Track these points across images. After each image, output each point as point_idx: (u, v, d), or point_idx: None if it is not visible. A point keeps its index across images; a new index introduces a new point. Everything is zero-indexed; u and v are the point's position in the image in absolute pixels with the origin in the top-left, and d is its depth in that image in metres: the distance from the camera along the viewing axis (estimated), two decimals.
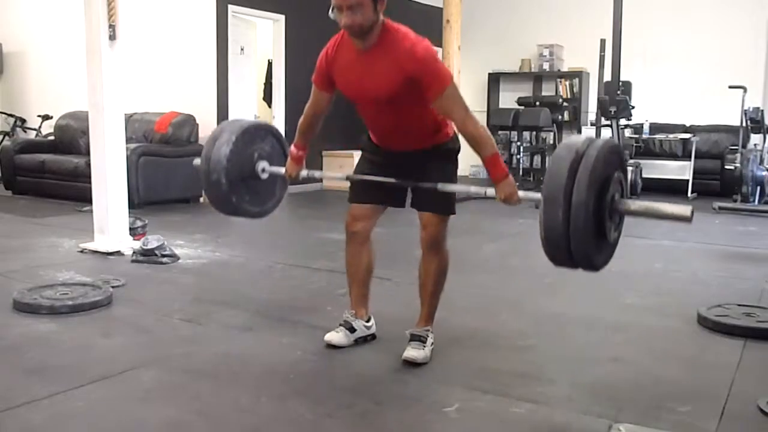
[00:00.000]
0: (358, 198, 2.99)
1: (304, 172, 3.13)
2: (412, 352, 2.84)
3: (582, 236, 2.27)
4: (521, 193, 2.67)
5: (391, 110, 2.74)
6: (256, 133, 3.19)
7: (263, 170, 3.18)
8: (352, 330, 3.04)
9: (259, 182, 3.21)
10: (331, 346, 3.00)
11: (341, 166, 8.49)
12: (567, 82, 10.62)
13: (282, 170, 3.17)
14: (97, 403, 2.45)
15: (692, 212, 2.31)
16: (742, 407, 2.49)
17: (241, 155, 3.10)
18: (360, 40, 2.66)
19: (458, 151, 2.95)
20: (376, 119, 2.85)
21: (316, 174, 3.28)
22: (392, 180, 2.86)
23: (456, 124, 2.71)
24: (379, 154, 2.94)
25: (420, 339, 2.90)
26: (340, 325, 3.06)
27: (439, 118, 2.84)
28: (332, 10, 2.63)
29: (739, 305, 3.60)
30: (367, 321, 3.11)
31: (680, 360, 3.03)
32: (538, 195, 2.41)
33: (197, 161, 3.19)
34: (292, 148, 3.11)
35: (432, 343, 2.93)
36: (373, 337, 3.12)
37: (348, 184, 3.08)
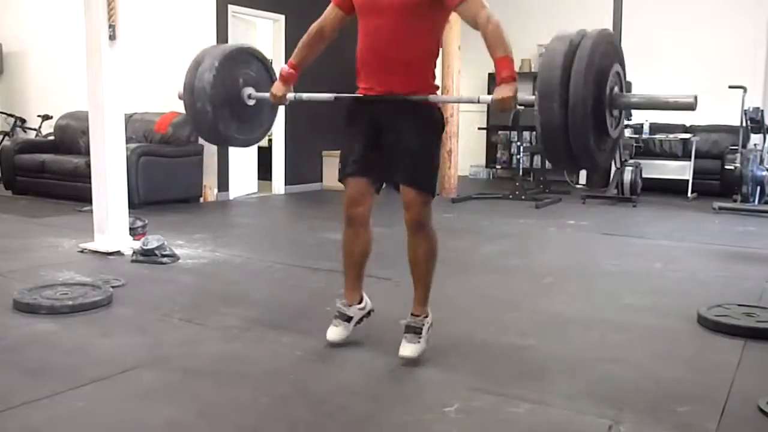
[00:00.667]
0: (351, 170, 2.87)
1: (290, 95, 3.01)
2: (407, 350, 2.82)
3: (581, 129, 2.15)
4: (518, 96, 2.56)
5: (401, 23, 2.69)
6: (239, 58, 3.08)
7: (249, 96, 3.09)
8: (348, 319, 3.03)
9: (246, 109, 3.11)
10: (332, 345, 2.99)
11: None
12: None
13: (268, 95, 3.07)
14: (97, 403, 2.45)
15: (696, 99, 2.22)
16: (742, 407, 2.49)
17: (225, 81, 2.99)
18: None
19: (443, 126, 2.89)
20: (379, 33, 2.74)
21: (303, 96, 3.05)
22: (382, 97, 2.77)
23: (480, 23, 2.61)
24: (363, 109, 2.86)
25: (415, 330, 2.87)
26: (336, 317, 3.03)
27: (434, 66, 2.82)
28: None
29: (739, 305, 3.60)
30: (360, 302, 3.08)
31: (680, 360, 3.03)
32: (533, 98, 2.33)
33: (180, 90, 3.08)
34: (284, 65, 3.01)
35: (429, 330, 2.90)
36: (369, 314, 3.10)
37: None
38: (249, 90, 3.09)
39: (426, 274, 2.92)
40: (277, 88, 3.03)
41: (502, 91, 2.57)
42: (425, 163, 2.80)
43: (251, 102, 3.10)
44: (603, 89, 2.21)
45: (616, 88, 2.29)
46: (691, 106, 2.21)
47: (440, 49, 2.90)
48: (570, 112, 2.11)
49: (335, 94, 2.98)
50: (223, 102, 3.00)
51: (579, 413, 2.42)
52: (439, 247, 2.93)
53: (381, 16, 2.74)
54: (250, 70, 3.13)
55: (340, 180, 2.95)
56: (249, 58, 3.16)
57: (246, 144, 3.21)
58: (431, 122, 2.84)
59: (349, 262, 3.04)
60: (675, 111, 2.27)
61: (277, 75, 3.09)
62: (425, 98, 2.76)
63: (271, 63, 10.24)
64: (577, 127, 2.12)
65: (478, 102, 2.70)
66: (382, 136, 2.82)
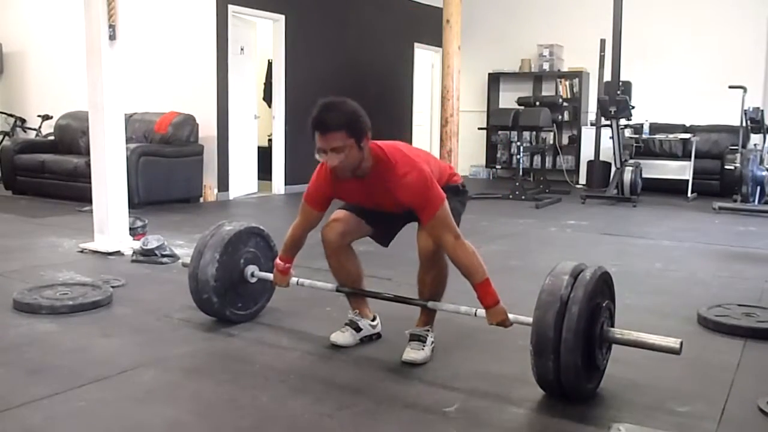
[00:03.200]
0: (347, 207, 2.98)
1: (293, 280, 3.13)
2: (412, 354, 2.84)
3: (573, 381, 2.39)
4: (512, 317, 2.68)
5: (400, 212, 2.81)
6: (239, 240, 3.24)
7: (252, 275, 3.26)
8: (358, 329, 3.05)
9: (249, 285, 3.29)
10: (334, 346, 3.00)
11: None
12: (567, 82, 10.63)
13: (270, 276, 3.20)
14: (97, 403, 2.45)
15: (681, 345, 2.37)
16: (742, 407, 2.49)
17: (227, 268, 3.18)
18: (350, 176, 2.66)
19: (465, 194, 3.02)
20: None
21: (305, 283, 3.18)
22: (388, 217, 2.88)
23: (446, 250, 2.67)
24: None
25: (420, 339, 2.90)
26: (346, 324, 3.06)
27: (447, 177, 2.93)
28: (317, 153, 2.59)
29: (739, 305, 3.60)
30: (373, 320, 3.12)
31: (680, 360, 3.02)
32: (529, 319, 2.51)
33: (186, 261, 3.27)
34: (278, 260, 3.08)
35: (432, 342, 2.93)
36: (378, 336, 3.12)
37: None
38: (251, 269, 3.27)
39: (432, 297, 2.92)
40: (279, 279, 3.11)
41: (496, 315, 2.67)
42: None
43: (254, 280, 3.28)
44: (594, 330, 2.44)
45: (606, 323, 2.50)
46: (676, 352, 2.39)
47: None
48: (562, 369, 2.37)
49: (336, 286, 3.09)
50: (227, 289, 3.20)
51: (579, 414, 2.42)
52: (447, 277, 2.92)
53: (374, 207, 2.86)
54: (249, 248, 3.30)
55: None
56: (248, 237, 3.31)
57: (251, 318, 3.37)
58: (453, 193, 2.89)
59: (343, 286, 3.08)
60: (659, 352, 2.50)
61: (275, 263, 3.18)
62: (425, 304, 2.86)
63: (270, 65, 10.19)
64: (569, 376, 2.38)
65: (475, 316, 2.75)
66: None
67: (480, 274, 2.64)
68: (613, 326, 2.58)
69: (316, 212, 2.89)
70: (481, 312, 2.69)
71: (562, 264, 2.55)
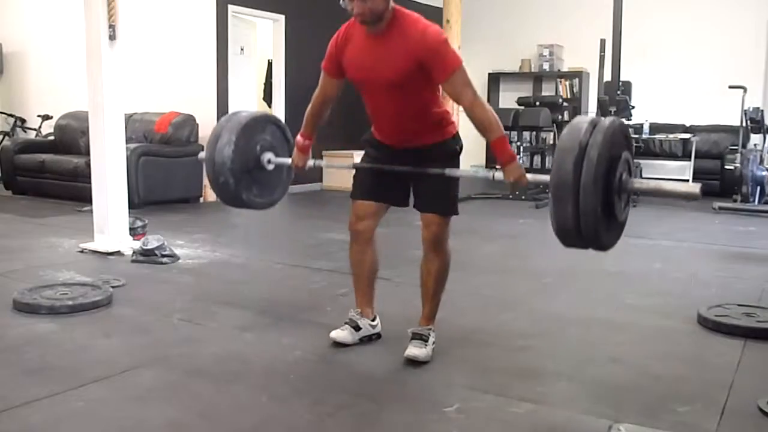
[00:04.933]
0: (362, 194, 2.97)
1: (310, 162, 3.12)
2: (414, 350, 2.84)
3: (593, 228, 2.29)
4: (529, 176, 2.67)
5: (398, 96, 2.74)
6: (255, 126, 3.17)
7: (269, 161, 3.18)
8: (357, 328, 3.05)
9: (266, 173, 3.21)
10: (334, 345, 3.00)
11: (337, 169, 8.49)
12: (567, 82, 10.62)
13: (288, 161, 3.17)
14: (97, 403, 2.45)
15: (701, 189, 2.35)
16: (742, 407, 2.49)
17: (244, 152, 3.10)
18: (371, 26, 2.69)
19: (460, 150, 2.94)
20: (382, 107, 2.83)
21: (323, 163, 3.21)
22: (399, 168, 2.85)
23: (464, 106, 2.68)
24: (382, 150, 2.93)
25: (422, 337, 2.90)
26: (346, 323, 3.06)
27: (443, 110, 2.86)
28: (343, 1, 2.67)
29: (739, 305, 3.60)
30: (373, 320, 3.12)
31: (680, 360, 3.03)
32: (545, 178, 2.43)
33: (202, 155, 3.20)
34: (299, 137, 3.09)
35: (434, 342, 2.93)
36: (378, 336, 3.13)
37: (349, 183, 3.07)
38: (268, 155, 3.20)
39: (434, 294, 2.97)
40: (297, 157, 3.10)
41: (512, 173, 2.66)
42: (446, 189, 2.85)
43: (270, 167, 3.22)
44: (612, 177, 2.36)
45: (625, 174, 2.42)
46: (696, 197, 2.37)
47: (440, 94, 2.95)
48: (581, 203, 2.28)
49: (353, 163, 3.09)
50: (244, 172, 3.13)
51: (579, 413, 2.42)
52: (450, 267, 2.96)
53: (376, 93, 2.80)
54: (266, 135, 3.24)
55: (351, 196, 3.01)
56: (264, 124, 3.26)
57: (268, 205, 3.34)
58: (449, 152, 2.90)
59: (358, 278, 3.10)
60: (679, 198, 2.41)
61: (294, 140, 3.16)
62: (443, 171, 2.81)
63: (270, 65, 10.21)
64: (587, 215, 2.29)
65: (493, 179, 2.79)
66: (404, 173, 2.87)
67: (497, 131, 2.66)
68: (630, 175, 2.50)
69: (329, 78, 2.92)
70: (498, 175, 2.70)
71: (579, 116, 2.51)
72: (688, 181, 8.79)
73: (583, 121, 2.42)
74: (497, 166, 2.77)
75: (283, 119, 8.38)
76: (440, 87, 2.76)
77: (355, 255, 3.05)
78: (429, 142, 2.85)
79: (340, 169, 8.43)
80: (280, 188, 3.36)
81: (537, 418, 2.40)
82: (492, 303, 3.88)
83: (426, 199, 2.86)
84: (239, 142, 3.07)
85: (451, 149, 2.91)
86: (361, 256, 3.03)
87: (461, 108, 2.71)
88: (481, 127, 2.67)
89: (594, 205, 2.27)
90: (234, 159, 3.05)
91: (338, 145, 8.34)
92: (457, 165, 2.93)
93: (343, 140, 8.11)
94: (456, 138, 2.93)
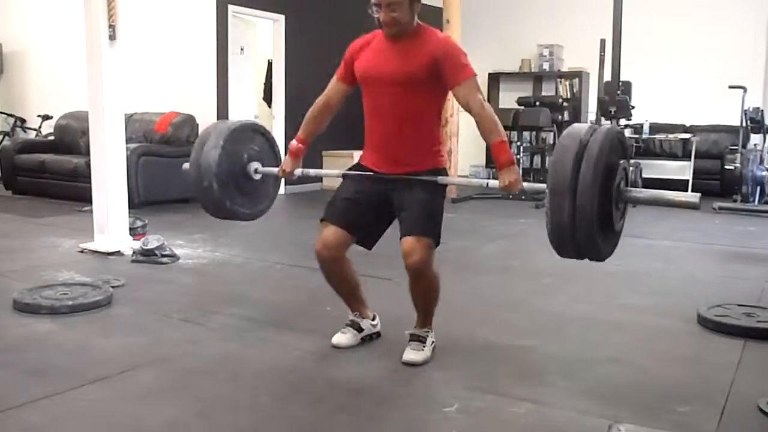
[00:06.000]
0: (334, 216, 2.88)
1: (298, 171, 3.05)
2: (412, 355, 2.84)
3: (588, 227, 2.27)
4: (525, 184, 2.68)
5: (402, 98, 2.73)
6: (244, 134, 3.14)
7: (256, 171, 3.13)
8: (360, 330, 3.06)
9: (252, 183, 3.15)
10: (335, 346, 3.00)
11: (341, 167, 8.49)
12: (567, 82, 10.63)
13: (275, 170, 3.12)
14: (97, 403, 2.45)
15: (700, 199, 2.34)
16: (742, 407, 2.49)
17: (231, 158, 3.05)
18: (394, 36, 2.74)
19: (444, 189, 2.89)
20: (382, 110, 2.79)
21: (311, 172, 3.16)
22: (384, 175, 2.81)
23: (474, 109, 2.69)
24: (364, 183, 2.89)
25: (419, 339, 2.90)
26: (347, 325, 3.06)
27: (441, 141, 2.88)
28: (371, 8, 2.72)
29: (739, 305, 3.60)
30: (373, 319, 3.13)
31: (680, 360, 3.03)
32: (542, 186, 2.42)
33: (186, 166, 3.14)
34: (293, 141, 3.04)
35: (433, 342, 2.93)
36: (378, 335, 3.13)
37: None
38: (255, 165, 3.15)
39: (427, 309, 2.93)
40: (287, 163, 3.04)
41: (507, 176, 2.66)
42: (427, 214, 2.77)
43: (257, 177, 3.16)
44: (610, 186, 2.34)
45: (622, 183, 2.41)
46: (695, 206, 2.35)
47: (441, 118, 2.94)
48: (578, 208, 2.25)
49: (343, 171, 3.03)
50: (229, 178, 3.07)
51: (579, 413, 2.42)
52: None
53: (382, 93, 2.78)
54: (254, 145, 3.19)
55: (321, 220, 2.93)
56: (253, 134, 3.22)
57: (252, 217, 3.27)
58: (436, 189, 2.83)
59: (341, 294, 3.07)
60: (678, 208, 2.44)
61: (286, 150, 3.09)
62: (434, 179, 2.79)
63: (270, 65, 10.19)
64: (584, 222, 2.26)
65: (487, 187, 2.83)
66: (384, 203, 2.84)
67: (499, 134, 2.67)
68: (628, 184, 2.48)
69: (337, 82, 2.92)
70: (493, 183, 2.71)
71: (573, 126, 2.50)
72: (688, 181, 8.80)
73: (582, 125, 2.42)
74: (490, 179, 2.76)
75: (283, 119, 8.46)
76: (444, 111, 2.79)
77: (327, 276, 2.97)
78: (419, 169, 2.79)
79: (329, 177, 8.42)
80: (266, 201, 3.31)
81: (537, 418, 2.40)
82: (492, 303, 3.88)
83: (410, 218, 2.75)
84: (227, 147, 3.02)
85: (439, 185, 2.83)
86: (334, 276, 2.96)
87: (461, 108, 2.72)
88: (487, 128, 2.68)
89: (591, 207, 2.25)
90: (220, 163, 2.99)
91: (338, 144, 8.35)
92: (442, 199, 2.86)
93: (342, 140, 8.13)
94: (444, 172, 2.89)
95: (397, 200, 2.80)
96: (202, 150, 3.03)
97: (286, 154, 3.09)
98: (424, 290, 2.86)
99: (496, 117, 2.70)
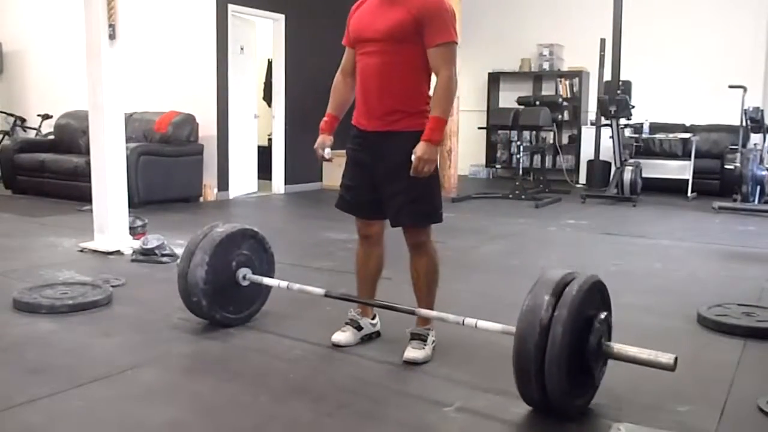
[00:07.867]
0: (346, 207, 3.01)
1: (328, 150, 3.04)
2: (413, 353, 2.84)
3: (560, 398, 2.26)
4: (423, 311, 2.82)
5: (389, 51, 2.74)
6: (231, 242, 3.18)
7: (244, 277, 3.19)
8: (359, 328, 3.06)
9: (241, 289, 3.22)
10: (334, 346, 3.01)
11: (341, 165, 8.49)
12: (567, 82, 10.63)
13: (263, 279, 3.19)
14: (97, 402, 2.45)
15: (676, 360, 2.30)
16: (742, 407, 2.49)
17: (218, 270, 3.11)
18: None
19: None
20: (371, 66, 2.80)
21: (295, 287, 3.17)
22: (370, 134, 2.86)
23: (440, 78, 2.72)
24: (359, 144, 2.93)
25: (420, 338, 2.90)
26: (347, 323, 3.07)
27: (424, 89, 2.84)
28: None
29: (739, 305, 3.60)
30: (373, 319, 3.13)
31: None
32: (498, 326, 2.51)
33: (177, 267, 3.21)
34: (324, 118, 3.06)
35: (433, 341, 2.93)
36: (377, 335, 3.14)
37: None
38: (244, 271, 3.19)
39: (428, 294, 2.95)
40: (319, 142, 3.05)
41: (422, 150, 2.65)
42: (423, 197, 2.82)
43: (246, 283, 3.20)
44: (583, 347, 2.32)
45: (603, 338, 2.39)
46: (670, 368, 2.32)
47: (430, 82, 2.91)
48: (547, 361, 2.23)
49: (326, 292, 3.08)
50: (217, 292, 3.12)
51: (579, 413, 2.41)
52: (440, 266, 2.97)
53: (368, 52, 2.81)
54: (243, 250, 3.21)
55: (336, 205, 3.07)
56: (241, 239, 3.23)
57: (243, 321, 3.30)
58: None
59: (362, 278, 3.10)
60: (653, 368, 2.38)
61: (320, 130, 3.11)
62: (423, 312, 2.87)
63: (270, 64, 10.18)
64: (554, 392, 2.26)
65: (462, 325, 2.72)
66: (377, 180, 2.87)
67: (443, 112, 2.69)
68: (610, 337, 2.46)
69: (350, 49, 2.97)
70: (469, 321, 2.65)
71: (547, 275, 2.42)
72: (688, 180, 8.80)
73: (546, 288, 2.33)
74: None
75: (283, 118, 8.45)
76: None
77: (361, 255, 3.08)
78: (404, 128, 2.78)
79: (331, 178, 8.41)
80: (257, 301, 3.36)
81: (537, 417, 2.40)
82: (492, 302, 3.88)
83: (400, 210, 2.82)
84: (213, 261, 3.07)
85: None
86: (367, 257, 3.06)
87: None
88: (436, 100, 2.71)
89: (561, 383, 2.23)
90: (207, 280, 3.06)
91: (338, 145, 8.37)
92: (435, 174, 2.86)
93: (343, 140, 8.15)
94: None
95: (380, 167, 2.85)
96: (189, 264, 3.10)
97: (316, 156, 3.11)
98: (425, 265, 2.92)
99: (452, 97, 2.74)
